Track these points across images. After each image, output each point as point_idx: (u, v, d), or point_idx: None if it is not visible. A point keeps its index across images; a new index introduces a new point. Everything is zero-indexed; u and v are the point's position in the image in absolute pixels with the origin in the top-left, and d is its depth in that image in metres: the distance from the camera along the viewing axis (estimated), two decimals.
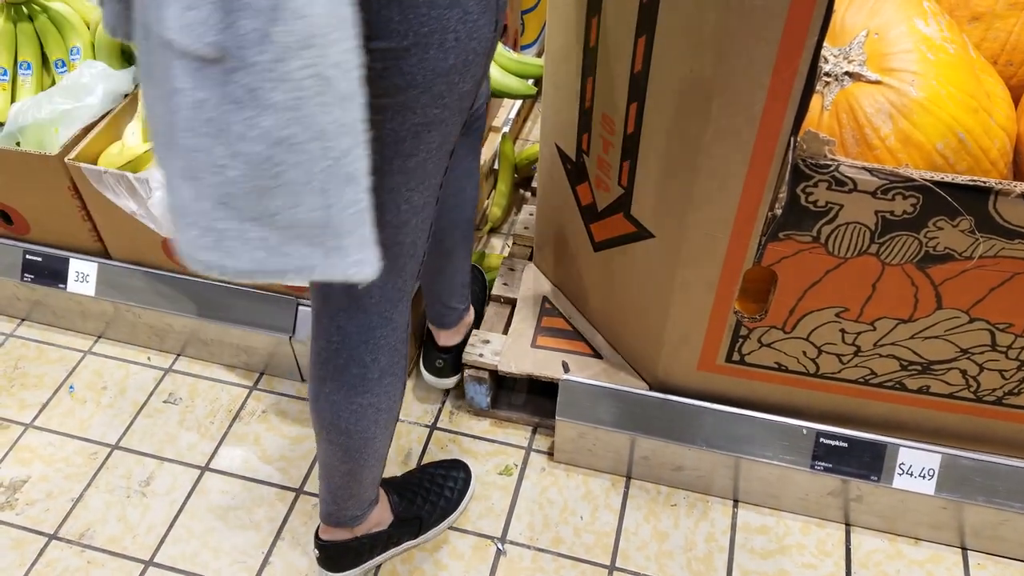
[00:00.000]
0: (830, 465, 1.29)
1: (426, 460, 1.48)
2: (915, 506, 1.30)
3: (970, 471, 1.26)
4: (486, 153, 1.83)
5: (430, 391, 1.60)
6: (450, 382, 1.55)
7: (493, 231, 1.92)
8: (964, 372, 1.21)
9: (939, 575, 1.31)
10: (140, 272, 1.60)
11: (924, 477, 1.27)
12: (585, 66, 1.21)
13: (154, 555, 1.36)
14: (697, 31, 0.96)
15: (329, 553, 1.26)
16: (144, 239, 1.52)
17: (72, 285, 1.62)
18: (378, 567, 1.33)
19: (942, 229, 1.03)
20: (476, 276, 1.68)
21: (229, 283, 1.55)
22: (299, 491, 1.44)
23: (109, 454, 1.50)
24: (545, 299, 1.56)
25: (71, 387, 1.62)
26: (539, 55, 2.20)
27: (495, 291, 1.60)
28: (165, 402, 1.59)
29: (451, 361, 1.52)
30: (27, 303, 1.71)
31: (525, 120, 2.23)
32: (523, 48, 2.19)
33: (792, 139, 0.99)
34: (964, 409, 1.27)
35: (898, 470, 1.28)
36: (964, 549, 1.35)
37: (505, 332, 1.52)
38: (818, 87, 1.11)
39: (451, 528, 1.38)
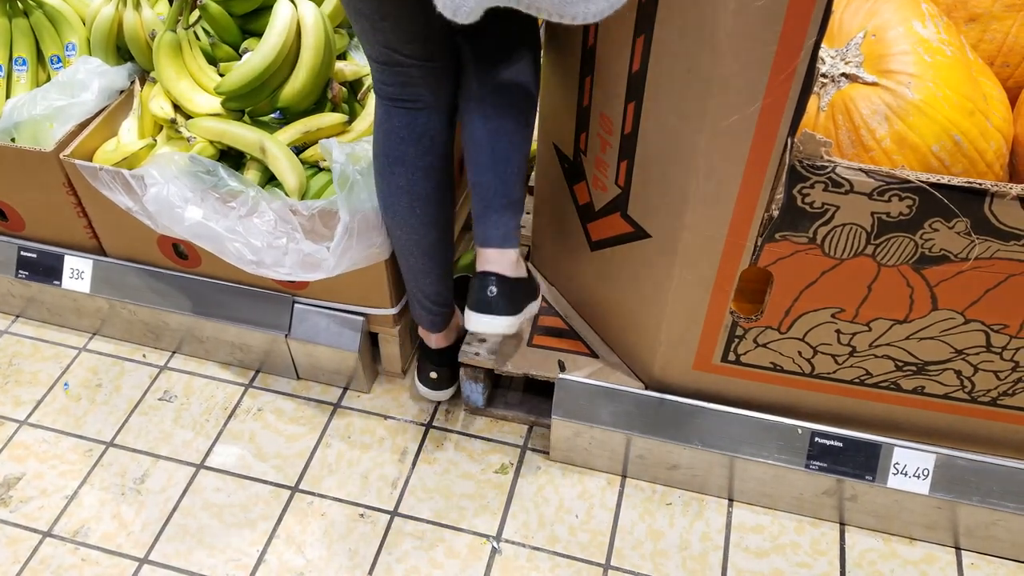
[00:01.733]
0: (825, 465, 1.30)
1: (422, 459, 1.48)
2: (909, 506, 1.31)
3: (964, 471, 1.27)
4: None
5: None
6: (446, 394, 1.54)
7: None
8: (959, 373, 1.22)
9: (933, 575, 1.32)
10: (135, 269, 1.59)
11: (919, 477, 1.28)
12: (583, 65, 1.21)
13: (148, 553, 1.36)
14: (696, 31, 0.97)
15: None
16: (139, 236, 1.52)
17: (67, 282, 1.62)
18: (373, 565, 1.34)
19: (938, 231, 1.04)
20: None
21: (225, 280, 1.55)
22: (294, 489, 1.44)
23: (104, 451, 1.50)
24: (542, 298, 1.56)
25: (66, 384, 1.62)
26: None
27: None
28: (160, 399, 1.59)
29: (447, 373, 1.52)
30: (21, 300, 1.70)
31: None
32: None
33: (789, 140, 0.99)
34: (959, 410, 1.27)
35: (893, 470, 1.28)
36: (958, 549, 1.35)
37: None
38: (815, 88, 1.12)
39: (446, 526, 1.38)
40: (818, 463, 1.30)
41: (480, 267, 1.23)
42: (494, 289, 1.21)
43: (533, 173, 1.70)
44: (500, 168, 1.18)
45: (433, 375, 1.51)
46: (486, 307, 1.22)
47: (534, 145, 1.91)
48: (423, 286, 1.38)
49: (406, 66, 1.13)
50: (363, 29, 1.11)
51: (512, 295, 1.23)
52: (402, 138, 1.19)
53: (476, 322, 1.22)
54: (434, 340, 1.49)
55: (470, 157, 1.20)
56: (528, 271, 1.34)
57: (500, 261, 1.22)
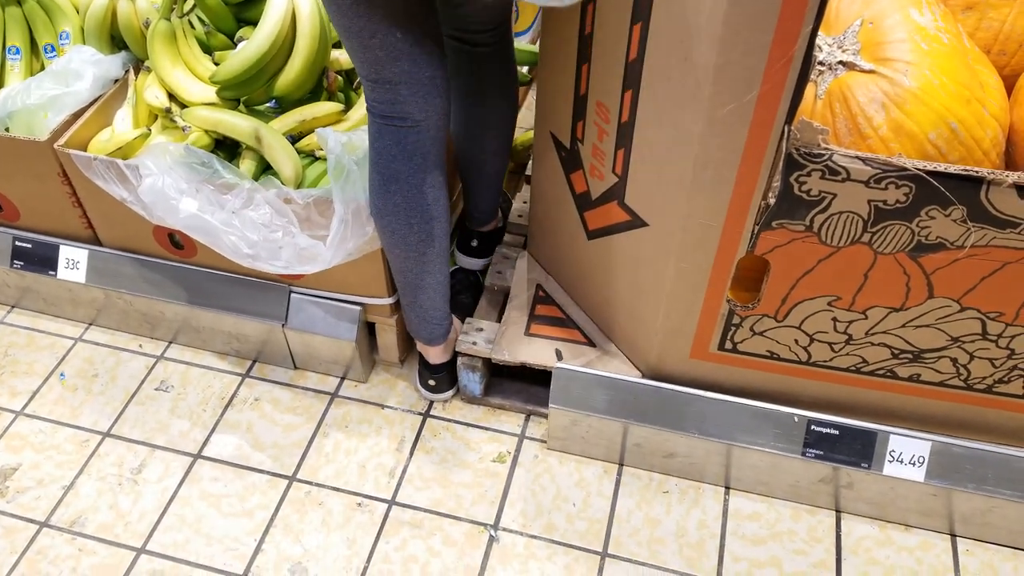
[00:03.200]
0: (821, 452, 1.31)
1: (419, 448, 1.49)
2: (905, 493, 1.31)
3: (960, 459, 1.28)
4: None
5: None
6: (447, 395, 1.57)
7: None
8: (955, 360, 1.22)
9: (928, 561, 1.33)
10: (131, 259, 1.59)
11: (914, 464, 1.29)
12: (580, 53, 1.21)
13: (146, 543, 1.36)
14: (692, 19, 0.97)
15: (485, 241, 1.69)
16: (134, 226, 1.52)
17: (62, 272, 1.61)
18: (371, 554, 1.34)
19: (934, 219, 1.04)
20: (470, 280, 1.70)
21: (221, 270, 1.55)
22: (292, 479, 1.45)
23: (100, 442, 1.51)
24: (539, 287, 1.57)
25: (62, 374, 1.62)
26: (534, 42, 2.20)
27: (488, 280, 1.60)
28: (157, 389, 1.59)
29: (446, 378, 1.54)
30: (17, 290, 1.70)
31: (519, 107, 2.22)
32: (518, 35, 2.18)
33: (786, 128, 0.99)
34: (954, 397, 1.28)
35: (888, 457, 1.29)
36: (953, 536, 1.37)
37: (498, 320, 1.53)
38: (812, 76, 1.12)
39: (444, 515, 1.39)
40: (814, 451, 1.31)
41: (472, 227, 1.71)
42: (475, 242, 1.71)
43: (530, 162, 1.70)
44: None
45: (432, 382, 1.54)
46: (469, 252, 1.72)
47: (529, 134, 1.92)
48: (421, 301, 1.39)
49: (395, 83, 1.13)
50: (352, 47, 1.11)
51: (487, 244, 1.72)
52: (394, 156, 1.20)
53: (461, 259, 1.72)
54: (432, 355, 1.50)
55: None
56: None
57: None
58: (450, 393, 1.56)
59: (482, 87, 1.42)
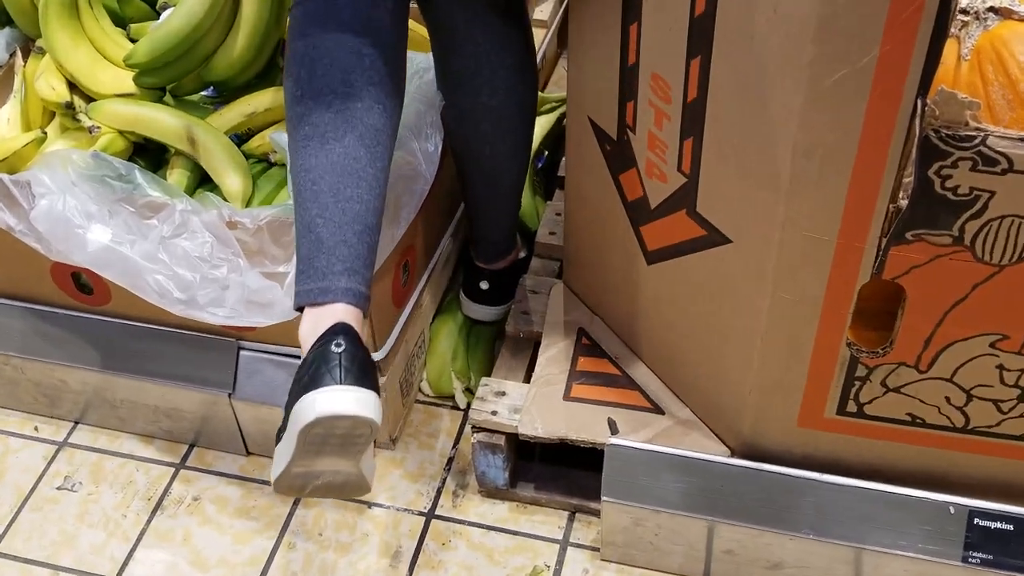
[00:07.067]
0: (990, 556, 1.29)
1: (422, 563, 1.48)
2: None
3: None
4: None
5: (424, 466, 1.61)
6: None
7: None
8: None
9: None
10: (20, 309, 1.62)
11: None
12: (626, 8, 1.22)
13: None
14: None
15: (502, 281, 1.70)
16: (26, 264, 1.54)
17: None
18: None
19: None
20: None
21: (144, 322, 1.57)
22: None
23: None
24: (581, 332, 1.57)
25: None
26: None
27: (511, 324, 1.61)
28: (60, 488, 1.61)
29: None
30: None
31: (545, 85, 2.24)
32: None
33: (919, 101, 0.99)
34: None
35: None
36: None
37: (527, 380, 1.53)
38: (952, 29, 1.12)
39: None
40: (980, 555, 1.29)
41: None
42: (486, 283, 1.71)
43: (563, 160, 1.70)
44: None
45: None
46: (478, 297, 1.73)
47: (552, 115, 1.93)
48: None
49: None
50: None
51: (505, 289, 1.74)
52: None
53: (468, 308, 1.76)
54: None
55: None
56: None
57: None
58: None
59: (489, 60, 1.42)
